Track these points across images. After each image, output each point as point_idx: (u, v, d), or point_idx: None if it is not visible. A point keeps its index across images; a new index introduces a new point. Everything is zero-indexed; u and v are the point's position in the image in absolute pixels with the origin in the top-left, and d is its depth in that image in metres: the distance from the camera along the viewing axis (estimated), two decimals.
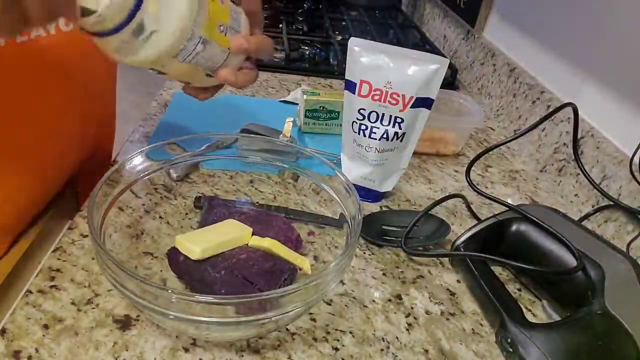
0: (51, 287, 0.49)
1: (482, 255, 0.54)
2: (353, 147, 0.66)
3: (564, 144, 0.77)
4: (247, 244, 0.50)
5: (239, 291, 0.45)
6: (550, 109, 0.71)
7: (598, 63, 0.75)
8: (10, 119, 0.54)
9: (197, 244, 0.47)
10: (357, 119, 0.64)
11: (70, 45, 0.56)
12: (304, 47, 1.14)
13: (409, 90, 0.60)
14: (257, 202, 0.61)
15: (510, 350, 0.46)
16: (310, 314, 0.50)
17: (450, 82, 1.07)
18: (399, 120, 0.62)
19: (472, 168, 0.67)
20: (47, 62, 0.55)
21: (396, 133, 0.63)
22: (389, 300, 0.53)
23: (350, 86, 0.63)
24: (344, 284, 0.54)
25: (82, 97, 0.61)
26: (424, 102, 0.61)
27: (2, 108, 0.53)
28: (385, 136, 0.63)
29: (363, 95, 0.62)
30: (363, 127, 0.64)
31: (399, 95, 0.61)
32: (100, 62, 0.61)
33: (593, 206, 0.69)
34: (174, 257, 0.49)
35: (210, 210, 0.55)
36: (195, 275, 0.47)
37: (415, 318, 0.52)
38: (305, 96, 0.79)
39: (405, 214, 0.65)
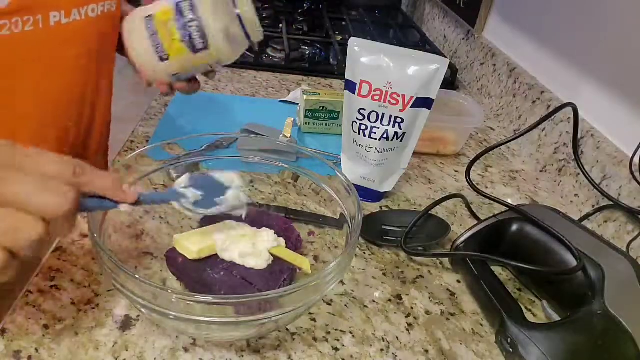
0: (51, 287, 0.49)
1: (482, 255, 0.54)
2: (353, 147, 0.66)
3: (564, 144, 0.77)
4: None
5: (239, 292, 0.45)
6: (550, 109, 0.71)
7: (598, 63, 0.75)
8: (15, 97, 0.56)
9: (195, 243, 0.47)
10: (357, 119, 0.64)
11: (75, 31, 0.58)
12: (304, 47, 1.14)
13: (409, 90, 0.60)
14: (257, 202, 0.61)
15: (510, 350, 0.46)
16: (310, 314, 0.50)
17: (450, 82, 1.07)
18: (399, 120, 0.62)
19: (472, 168, 0.67)
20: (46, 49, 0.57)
21: (396, 133, 0.63)
22: (389, 300, 0.53)
23: (350, 86, 0.63)
24: (344, 284, 0.54)
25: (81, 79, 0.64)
26: (424, 102, 0.61)
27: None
28: (385, 136, 0.63)
29: (363, 95, 0.62)
30: (363, 127, 0.64)
31: (399, 95, 0.61)
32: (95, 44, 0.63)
33: (593, 206, 0.69)
34: (173, 258, 0.49)
35: None
36: (194, 276, 0.47)
37: (415, 318, 0.52)
38: (305, 96, 0.79)
39: (405, 214, 0.65)
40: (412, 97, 0.61)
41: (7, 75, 0.54)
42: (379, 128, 0.63)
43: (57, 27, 0.55)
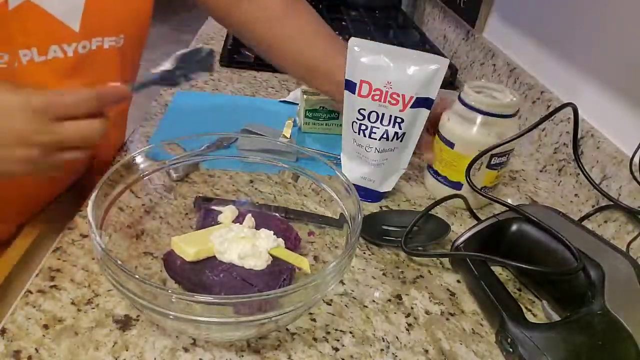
0: (51, 287, 0.49)
1: (482, 255, 0.54)
2: (353, 147, 0.66)
3: (564, 144, 0.77)
4: None
5: (239, 293, 0.45)
6: (550, 109, 0.71)
7: (598, 63, 0.75)
8: None
9: (192, 245, 0.47)
10: (357, 119, 0.64)
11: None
12: None
13: (409, 90, 0.60)
14: (257, 202, 0.61)
15: (510, 350, 0.46)
16: (310, 314, 0.50)
17: (450, 82, 1.07)
18: (399, 120, 0.62)
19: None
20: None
21: (396, 133, 0.63)
22: (389, 300, 0.53)
23: (350, 86, 0.63)
24: (344, 284, 0.54)
25: None
26: (424, 102, 0.61)
27: None
28: (385, 136, 0.63)
29: (363, 95, 0.62)
30: (363, 127, 0.64)
31: (399, 95, 0.61)
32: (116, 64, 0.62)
33: (593, 206, 0.69)
34: (170, 261, 0.49)
35: (207, 212, 0.55)
36: (193, 279, 0.47)
37: (415, 318, 0.52)
38: (305, 96, 0.79)
39: (405, 214, 0.65)
40: (412, 97, 0.61)
41: None
42: (379, 128, 0.63)
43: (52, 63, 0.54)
